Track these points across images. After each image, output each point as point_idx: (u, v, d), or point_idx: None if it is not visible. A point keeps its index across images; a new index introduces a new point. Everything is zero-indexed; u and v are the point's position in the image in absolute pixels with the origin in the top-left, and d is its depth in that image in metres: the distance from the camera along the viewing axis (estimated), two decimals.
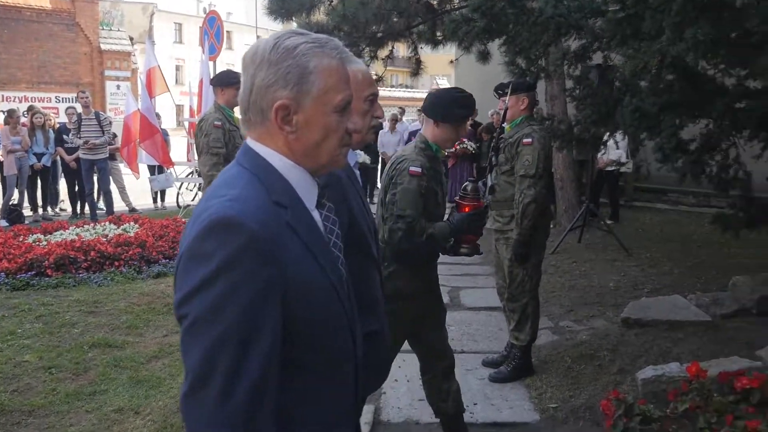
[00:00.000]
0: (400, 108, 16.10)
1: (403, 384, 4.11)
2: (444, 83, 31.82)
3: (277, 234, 1.20)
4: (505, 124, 4.38)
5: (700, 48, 3.62)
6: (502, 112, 4.24)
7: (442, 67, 19.30)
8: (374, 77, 9.47)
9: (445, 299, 5.99)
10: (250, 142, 1.32)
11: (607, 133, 6.14)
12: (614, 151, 8.55)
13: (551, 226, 4.62)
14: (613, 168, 9.17)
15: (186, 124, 12.85)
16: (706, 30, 3.57)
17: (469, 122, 11.98)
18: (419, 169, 2.86)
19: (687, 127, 5.22)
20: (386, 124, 11.75)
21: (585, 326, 5.02)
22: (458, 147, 10.60)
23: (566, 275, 6.62)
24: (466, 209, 2.91)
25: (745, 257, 7.06)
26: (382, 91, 29.04)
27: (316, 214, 1.34)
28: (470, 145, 10.57)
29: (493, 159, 4.23)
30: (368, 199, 11.45)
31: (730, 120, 4.62)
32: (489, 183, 4.30)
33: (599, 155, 8.56)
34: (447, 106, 2.97)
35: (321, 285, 1.26)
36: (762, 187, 6.52)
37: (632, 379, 3.87)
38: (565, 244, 7.83)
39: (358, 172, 1.93)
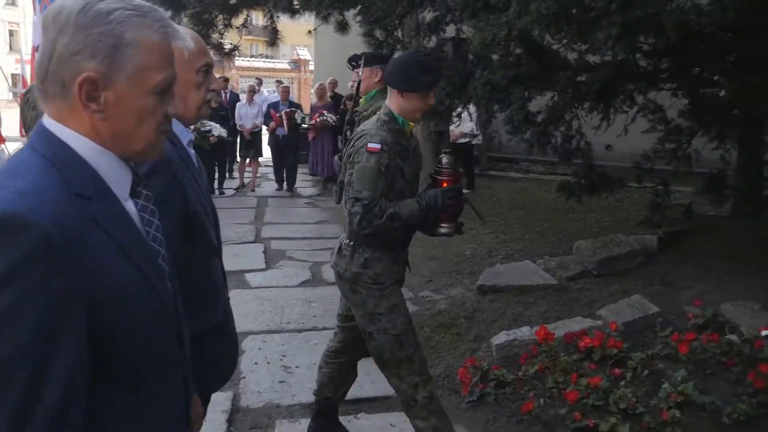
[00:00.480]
0: (258, 78, 15.64)
1: (263, 366, 4.00)
2: (305, 54, 31.35)
3: (78, 233, 1.02)
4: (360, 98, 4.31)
5: (543, 21, 3.74)
6: (355, 85, 4.15)
7: (303, 37, 18.99)
8: (229, 46, 9.07)
9: (306, 275, 5.94)
10: (47, 121, 1.12)
11: (461, 105, 6.27)
12: (467, 123, 8.79)
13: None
14: (465, 140, 9.39)
15: (18, 95, 11.67)
16: (549, 4, 3.69)
17: (329, 93, 11.75)
18: (378, 145, 2.60)
19: (535, 99, 5.46)
20: (243, 96, 11.34)
21: (443, 295, 5.14)
22: (318, 119, 10.46)
23: (426, 245, 6.71)
24: (443, 184, 2.71)
25: (588, 221, 7.56)
26: (240, 62, 27.91)
27: (130, 205, 1.17)
28: (330, 117, 10.45)
29: (348, 133, 4.15)
30: (228, 175, 11.12)
31: (573, 93, 4.87)
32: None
33: (453, 127, 8.74)
34: (412, 73, 2.70)
35: (137, 287, 1.10)
36: (602, 156, 7.01)
37: (487, 345, 4.01)
38: None
39: (192, 152, 1.76)
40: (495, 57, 5.10)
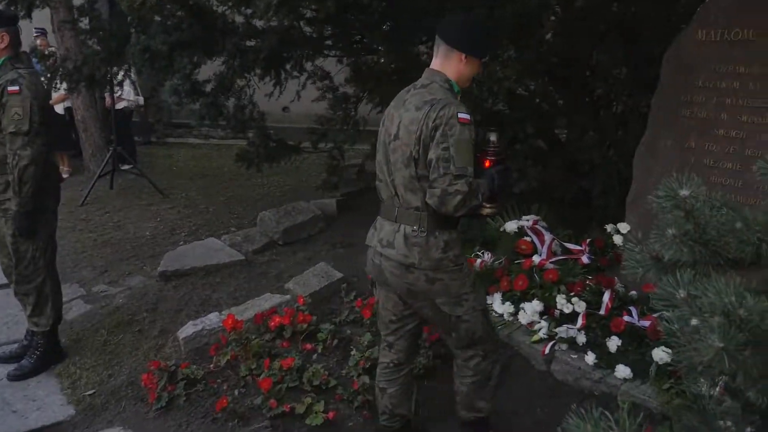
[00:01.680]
0: None
1: None
2: None
3: None
4: None
5: None
6: None
7: None
8: None
9: None
10: None
11: (122, 72, 5.64)
12: (125, 88, 8.01)
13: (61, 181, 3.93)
14: (122, 106, 8.53)
15: None
16: None
17: None
18: (469, 116, 2.32)
19: (205, 65, 5.12)
20: None
21: (122, 287, 4.62)
22: None
23: (99, 229, 6.05)
24: (487, 164, 2.50)
25: (271, 186, 7.55)
26: None
27: None
28: None
29: None
30: None
31: (241, 59, 4.65)
32: None
33: (117, 95, 7.90)
34: (479, 37, 2.47)
35: None
36: (280, 118, 6.98)
37: (174, 339, 3.70)
38: (96, 193, 7.15)
39: None
40: (157, 19, 4.63)
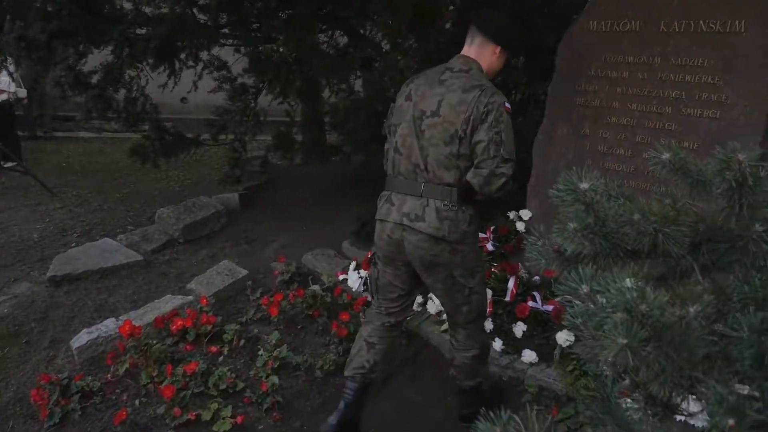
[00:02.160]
0: None
1: None
2: None
3: None
4: None
5: None
6: None
7: None
8: None
9: None
10: None
11: None
12: (3, 78, 7.43)
13: None
14: (3, 99, 7.92)
15: None
16: None
17: None
18: (509, 105, 2.47)
19: (92, 55, 4.81)
20: None
21: (6, 296, 4.27)
22: None
23: None
24: None
25: (171, 181, 7.24)
26: None
27: None
28: None
29: None
30: None
31: (131, 49, 4.39)
32: None
33: None
34: (516, 33, 2.66)
35: None
36: (178, 110, 6.70)
37: (67, 349, 3.47)
38: None
39: None
40: (36, 5, 4.29)
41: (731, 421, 0.81)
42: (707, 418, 0.95)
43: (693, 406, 1.09)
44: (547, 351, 3.19)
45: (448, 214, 2.49)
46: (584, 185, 1.07)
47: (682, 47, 3.19)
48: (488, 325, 3.39)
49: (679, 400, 0.99)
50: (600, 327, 0.94)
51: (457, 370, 2.84)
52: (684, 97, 3.22)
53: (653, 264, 1.32)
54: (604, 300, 0.95)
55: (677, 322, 0.94)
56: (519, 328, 3.31)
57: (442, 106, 2.47)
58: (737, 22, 3.00)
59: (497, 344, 3.27)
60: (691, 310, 0.91)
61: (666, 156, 1.35)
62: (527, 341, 3.28)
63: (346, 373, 2.79)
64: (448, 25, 4.58)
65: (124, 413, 2.85)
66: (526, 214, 3.96)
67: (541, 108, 3.99)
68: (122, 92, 4.90)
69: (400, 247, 2.58)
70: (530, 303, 3.43)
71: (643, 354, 0.87)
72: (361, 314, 3.59)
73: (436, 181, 2.49)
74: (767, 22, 2.92)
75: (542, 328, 3.33)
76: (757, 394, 0.87)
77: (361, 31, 4.76)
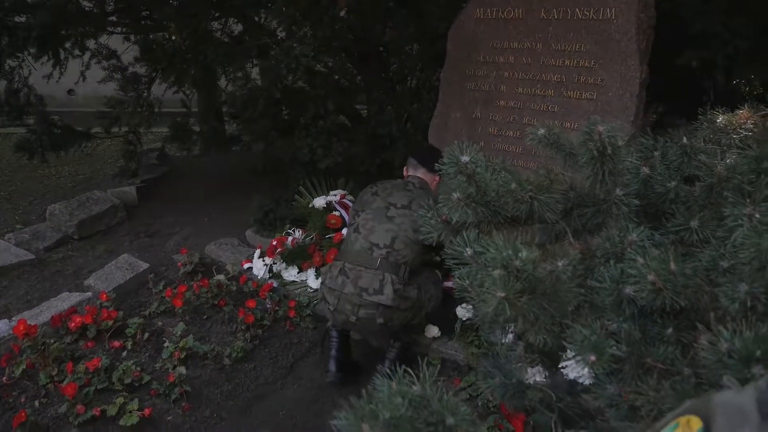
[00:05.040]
0: None
1: None
2: None
3: None
4: None
5: None
6: None
7: None
8: None
9: None
10: None
11: None
12: None
13: None
14: None
15: None
16: None
17: None
18: None
19: None
20: None
21: None
22: None
23: None
24: None
25: (62, 177, 6.92)
26: None
27: None
28: None
29: None
30: None
31: (10, 37, 4.17)
32: None
33: None
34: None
35: None
36: (65, 102, 6.40)
37: None
38: None
39: None
40: None
41: (593, 357, 0.93)
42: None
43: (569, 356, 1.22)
44: (448, 325, 3.34)
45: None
46: (465, 158, 1.17)
47: (561, 33, 3.42)
48: None
49: (554, 348, 1.11)
50: (482, 285, 1.05)
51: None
52: (564, 80, 3.45)
53: (538, 233, 1.46)
54: (485, 260, 1.05)
55: (548, 275, 1.06)
56: None
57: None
58: (608, 9, 3.24)
59: None
60: (560, 264, 1.03)
61: (542, 132, 1.48)
62: (430, 317, 3.42)
63: (327, 325, 3.27)
64: (342, 13, 4.65)
65: (23, 415, 2.75)
66: None
67: (436, 93, 4.14)
68: (2, 83, 4.64)
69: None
70: None
71: (518, 305, 0.98)
72: (267, 300, 3.63)
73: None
74: (632, 9, 3.18)
75: (443, 303, 3.48)
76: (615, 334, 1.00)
77: (256, 19, 4.74)
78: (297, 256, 3.92)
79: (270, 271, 3.97)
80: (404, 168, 3.37)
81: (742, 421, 0.44)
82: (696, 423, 0.46)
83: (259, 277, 3.97)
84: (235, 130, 5.92)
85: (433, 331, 3.32)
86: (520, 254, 1.00)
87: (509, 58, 3.63)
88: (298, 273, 3.87)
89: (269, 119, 4.59)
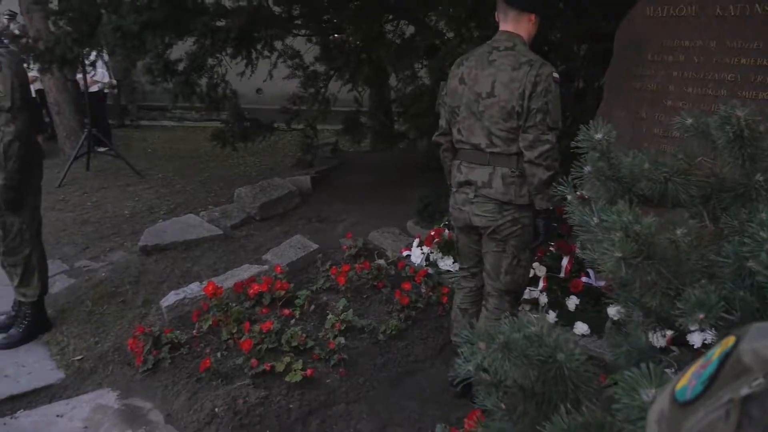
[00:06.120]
0: None
1: None
2: None
3: None
4: None
5: None
6: None
7: None
8: None
9: None
10: None
11: (95, 52, 5.70)
12: (98, 70, 8.05)
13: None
14: (96, 89, 8.57)
15: None
16: None
17: None
18: (558, 75, 2.63)
19: (176, 45, 5.23)
20: None
21: (104, 262, 4.76)
22: None
23: (78, 209, 6.15)
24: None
25: (247, 166, 7.69)
26: None
27: None
28: None
29: None
30: None
31: (212, 39, 4.77)
32: None
33: (90, 76, 7.94)
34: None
35: None
36: (254, 100, 7.10)
37: (157, 308, 3.86)
38: (73, 175, 7.22)
39: None
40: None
41: (701, 315, 1.01)
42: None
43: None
44: (598, 324, 3.35)
45: (512, 179, 2.71)
46: (598, 135, 1.28)
47: (738, 30, 3.28)
48: (543, 299, 3.58)
49: (672, 312, 1.19)
50: (602, 247, 1.16)
51: None
52: (739, 79, 3.30)
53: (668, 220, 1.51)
54: (607, 225, 1.16)
55: (669, 244, 1.14)
56: (572, 302, 3.48)
57: (496, 86, 2.68)
58: None
59: (551, 316, 3.44)
60: (678, 232, 1.11)
61: (689, 121, 1.54)
62: (580, 314, 3.44)
63: (451, 338, 3.17)
64: None
65: (208, 362, 3.20)
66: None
67: (599, 93, 4.12)
68: (204, 79, 5.30)
69: (469, 215, 2.83)
70: (584, 279, 3.59)
71: (633, 264, 1.08)
72: (421, 285, 3.85)
73: (505, 152, 2.71)
74: None
75: (594, 302, 3.48)
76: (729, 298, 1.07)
77: (426, 20, 4.98)
78: (453, 247, 4.10)
79: (427, 259, 4.18)
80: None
81: None
82: (731, 340, 0.49)
83: (416, 264, 4.21)
84: (402, 126, 6.23)
85: (583, 328, 3.34)
86: (640, 220, 1.10)
87: (679, 57, 3.53)
88: (453, 263, 4.04)
89: (435, 116, 4.81)
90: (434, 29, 4.94)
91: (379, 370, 3.36)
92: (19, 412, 3.09)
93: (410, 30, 5.51)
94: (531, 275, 3.67)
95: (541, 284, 3.64)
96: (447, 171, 3.05)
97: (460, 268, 3.15)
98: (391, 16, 4.92)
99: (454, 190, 2.93)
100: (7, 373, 3.37)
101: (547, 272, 3.68)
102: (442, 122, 2.98)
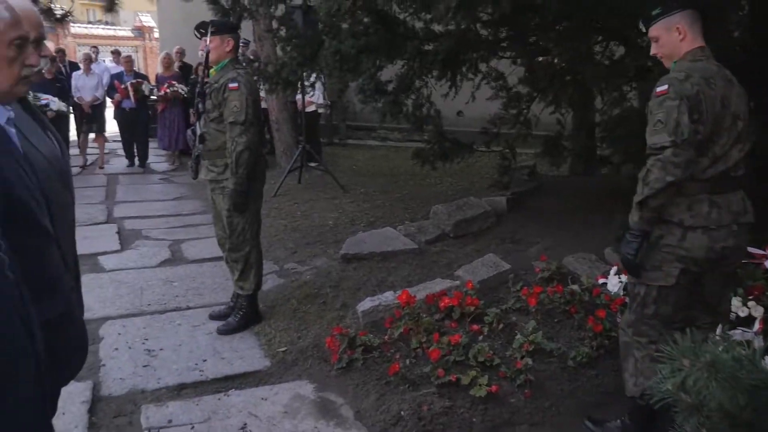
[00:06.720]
0: (94, 47, 14.51)
1: (124, 352, 3.83)
2: (148, 20, 29.50)
3: None
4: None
5: None
6: (204, 54, 3.98)
7: (144, 2, 17.90)
8: (61, 12, 8.27)
9: (166, 254, 5.72)
10: None
11: (314, 75, 6.24)
12: (316, 92, 8.77)
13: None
14: (312, 109, 9.32)
15: None
16: None
17: (177, 63, 11.06)
18: None
19: (386, 68, 5.56)
20: (81, 66, 10.49)
21: (309, 266, 5.16)
22: (168, 90, 9.94)
23: (288, 217, 6.74)
24: None
25: (444, 186, 7.90)
26: (77, 29, 25.61)
27: None
28: (181, 88, 9.98)
29: (200, 106, 4.02)
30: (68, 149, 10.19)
31: (420, 61, 5.00)
32: (198, 131, 4.09)
33: (308, 96, 8.69)
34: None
35: None
36: (454, 122, 7.30)
37: (354, 312, 4.10)
38: (286, 186, 7.94)
39: (13, 130, 1.62)
40: (345, 26, 5.13)
41: None
42: None
43: None
44: None
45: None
46: None
47: None
48: (758, 342, 3.24)
49: None
50: None
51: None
52: None
53: None
54: None
55: None
56: None
57: (741, 105, 2.56)
58: None
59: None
60: None
61: None
62: None
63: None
64: (736, 33, 4.41)
65: (397, 366, 3.34)
66: None
67: None
68: (411, 99, 5.56)
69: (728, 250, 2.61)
70: None
71: None
72: (618, 314, 3.67)
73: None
74: None
75: None
76: None
77: (638, 41, 4.78)
78: None
79: (624, 288, 3.98)
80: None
81: None
82: None
83: (612, 293, 4.02)
84: (605, 150, 6.00)
85: None
86: None
87: None
88: None
89: (642, 140, 4.58)
90: (646, 50, 4.72)
91: (566, 396, 3.27)
92: (231, 390, 3.45)
93: (620, 51, 5.32)
94: (745, 314, 3.36)
95: (756, 326, 3.30)
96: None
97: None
98: (600, 38, 4.79)
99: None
100: (224, 356, 3.79)
101: (764, 312, 3.33)
102: None
